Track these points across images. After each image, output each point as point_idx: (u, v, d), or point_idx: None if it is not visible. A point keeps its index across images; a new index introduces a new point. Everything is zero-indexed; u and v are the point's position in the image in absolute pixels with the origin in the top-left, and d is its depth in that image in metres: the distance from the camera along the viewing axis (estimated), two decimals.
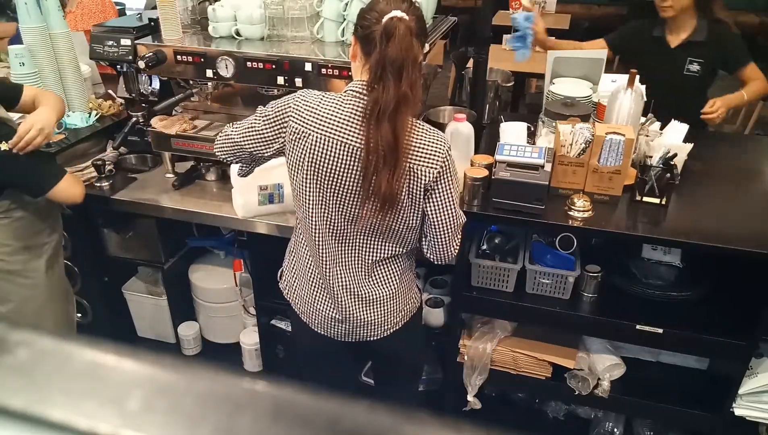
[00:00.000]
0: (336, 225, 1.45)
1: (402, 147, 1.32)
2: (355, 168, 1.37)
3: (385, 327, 1.59)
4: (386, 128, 1.30)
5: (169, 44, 2.02)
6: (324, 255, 1.50)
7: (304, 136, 1.38)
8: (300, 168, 1.41)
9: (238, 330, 2.56)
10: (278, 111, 1.42)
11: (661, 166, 1.70)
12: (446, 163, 1.40)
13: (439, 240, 1.48)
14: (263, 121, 1.45)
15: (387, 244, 1.49)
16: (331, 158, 1.37)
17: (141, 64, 1.97)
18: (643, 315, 1.78)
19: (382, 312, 1.56)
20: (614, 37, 2.66)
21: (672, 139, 1.86)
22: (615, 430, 2.21)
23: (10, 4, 2.21)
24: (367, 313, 1.55)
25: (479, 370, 1.97)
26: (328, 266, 1.51)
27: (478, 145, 2.11)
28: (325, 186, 1.40)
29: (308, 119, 1.38)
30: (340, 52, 1.95)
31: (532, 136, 1.99)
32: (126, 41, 2.12)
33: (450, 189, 1.43)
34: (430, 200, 1.42)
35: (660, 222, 1.72)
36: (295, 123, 1.39)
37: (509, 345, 1.98)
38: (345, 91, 1.39)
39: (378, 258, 1.51)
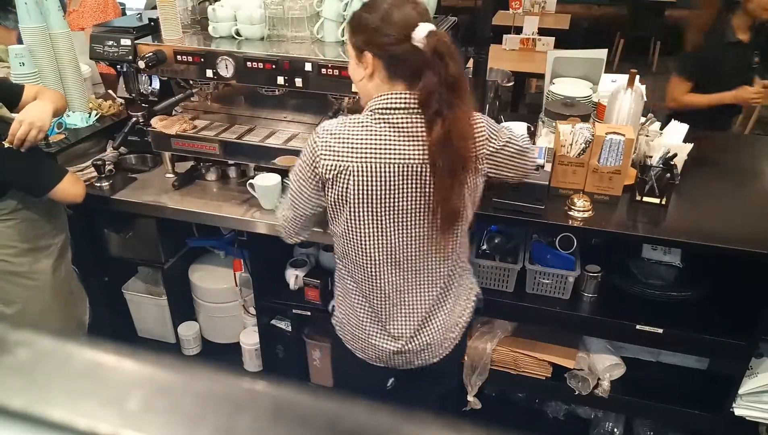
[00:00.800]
0: (397, 252, 1.39)
1: (469, 158, 1.29)
2: (408, 186, 1.32)
3: (446, 345, 1.53)
4: (452, 145, 1.25)
5: (169, 44, 2.02)
6: (383, 287, 1.42)
7: (343, 170, 1.30)
8: (346, 203, 1.34)
9: (238, 330, 2.56)
10: (308, 161, 1.34)
11: (661, 166, 1.70)
12: (489, 124, 1.38)
13: (527, 169, 1.52)
14: (300, 180, 1.37)
15: (450, 252, 1.43)
16: (380, 183, 1.30)
17: (141, 64, 1.97)
18: (643, 315, 1.78)
19: (444, 330, 1.51)
20: (693, 67, 2.66)
21: (672, 139, 1.87)
22: (615, 430, 2.21)
23: (11, 1, 2.20)
24: (430, 337, 1.49)
25: (479, 370, 1.97)
26: (388, 298, 1.44)
27: None
28: (381, 213, 1.34)
29: (342, 151, 1.30)
30: (340, 52, 1.95)
31: (532, 136, 1.99)
32: (126, 41, 2.11)
33: (504, 131, 1.41)
34: (501, 157, 1.40)
35: (660, 222, 1.73)
36: (329, 160, 1.30)
37: (509, 345, 1.98)
38: (371, 110, 1.31)
39: (442, 275, 1.45)
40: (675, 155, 1.72)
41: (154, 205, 2.15)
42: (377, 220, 1.34)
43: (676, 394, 1.93)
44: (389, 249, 1.38)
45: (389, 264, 1.39)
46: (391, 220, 1.35)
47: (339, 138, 1.30)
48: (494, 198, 1.71)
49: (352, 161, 1.29)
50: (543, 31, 4.47)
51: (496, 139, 1.37)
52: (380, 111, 1.30)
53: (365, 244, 1.37)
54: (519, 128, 1.94)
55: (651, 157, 1.73)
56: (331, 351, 1.77)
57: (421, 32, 1.22)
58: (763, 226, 1.69)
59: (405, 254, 1.39)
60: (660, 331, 1.75)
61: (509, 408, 2.35)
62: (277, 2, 2.00)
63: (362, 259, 1.40)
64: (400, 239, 1.37)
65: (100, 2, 3.19)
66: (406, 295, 1.44)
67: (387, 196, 1.32)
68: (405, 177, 1.30)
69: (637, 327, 1.76)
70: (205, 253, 2.63)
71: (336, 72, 1.84)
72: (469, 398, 2.01)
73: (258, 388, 0.29)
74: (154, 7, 2.14)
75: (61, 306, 1.96)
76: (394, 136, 1.29)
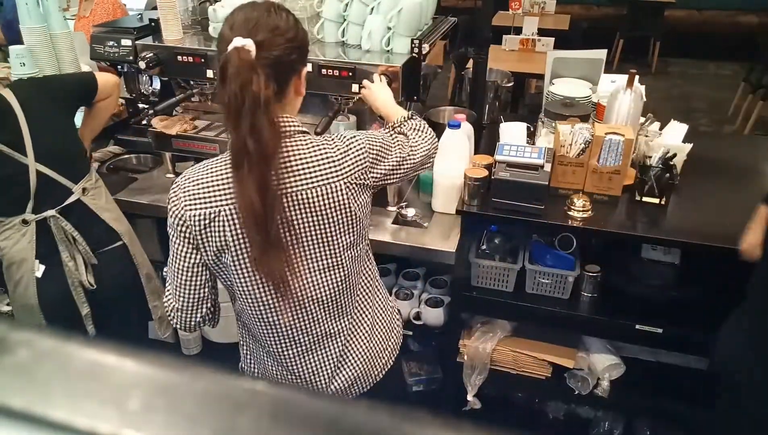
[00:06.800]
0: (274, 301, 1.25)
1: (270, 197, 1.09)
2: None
3: (376, 372, 1.43)
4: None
5: (169, 45, 2.02)
6: (287, 333, 1.30)
7: (214, 217, 1.15)
8: (226, 251, 1.18)
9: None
10: (174, 219, 1.18)
11: (660, 166, 1.70)
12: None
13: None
14: (178, 242, 1.20)
15: (347, 274, 1.30)
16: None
17: (142, 64, 1.97)
18: (642, 315, 1.78)
19: (369, 359, 1.41)
20: None
21: (671, 140, 1.87)
22: (615, 430, 2.21)
23: None
24: (353, 372, 1.40)
25: (479, 370, 1.98)
26: (296, 343, 1.32)
27: (478, 145, 2.11)
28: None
29: (208, 197, 1.15)
30: (340, 52, 1.95)
31: (531, 136, 1.99)
32: (127, 41, 2.12)
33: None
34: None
35: (659, 222, 1.73)
36: (196, 209, 1.15)
37: (509, 345, 1.98)
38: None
39: (346, 301, 1.33)
40: (674, 155, 1.72)
41: (154, 205, 2.16)
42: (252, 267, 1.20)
43: (676, 394, 1.93)
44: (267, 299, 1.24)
45: (291, 309, 1.26)
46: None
47: (200, 183, 1.16)
48: (494, 198, 1.71)
49: (219, 206, 1.15)
50: (543, 32, 4.48)
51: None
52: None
53: (255, 291, 1.23)
54: (519, 128, 1.94)
55: (650, 157, 1.73)
56: None
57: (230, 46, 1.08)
58: None
59: (305, 292, 1.25)
60: (660, 331, 1.75)
61: (509, 408, 2.35)
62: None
63: (258, 308, 1.25)
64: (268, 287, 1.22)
65: (108, 9, 3.21)
66: (315, 336, 1.30)
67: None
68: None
69: (637, 327, 1.76)
70: None
71: (336, 72, 1.84)
72: (469, 398, 2.01)
73: (258, 388, 0.29)
74: (155, 8, 2.14)
75: None
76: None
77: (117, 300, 1.87)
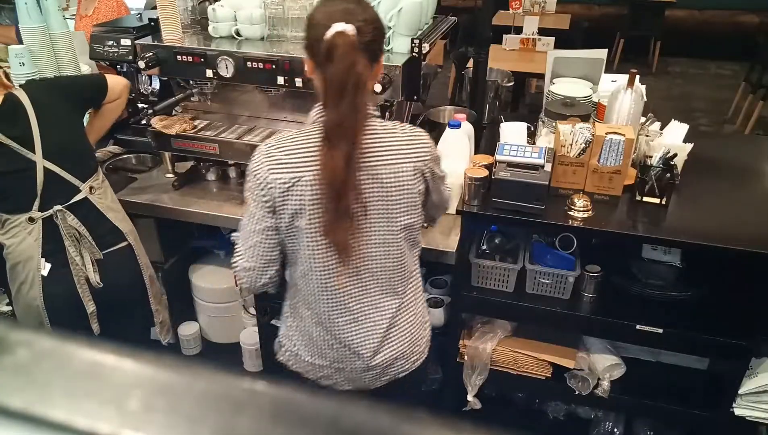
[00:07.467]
0: (355, 260, 1.35)
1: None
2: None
3: (414, 358, 1.52)
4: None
5: (169, 44, 2.02)
6: (344, 302, 1.40)
7: (296, 182, 1.26)
8: (303, 214, 1.28)
9: (238, 330, 2.56)
10: (256, 181, 1.28)
11: (661, 166, 1.70)
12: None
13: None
14: (255, 205, 1.30)
15: (405, 258, 1.43)
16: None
17: (141, 64, 1.97)
18: (643, 315, 1.78)
19: (409, 343, 1.50)
20: None
21: (672, 139, 1.86)
22: (615, 430, 2.21)
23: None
24: (395, 350, 1.48)
25: (479, 370, 1.97)
26: (350, 312, 1.42)
27: (478, 145, 2.11)
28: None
29: (291, 162, 1.26)
30: None
31: (532, 136, 1.99)
32: (126, 41, 2.12)
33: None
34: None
35: (660, 222, 1.72)
36: (279, 173, 1.26)
37: (509, 345, 1.98)
38: (314, 122, 1.29)
39: (399, 283, 1.44)
40: (675, 155, 1.72)
41: (154, 205, 2.16)
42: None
43: (676, 394, 1.93)
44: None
45: (349, 275, 1.35)
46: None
47: (285, 150, 1.27)
48: (494, 198, 1.71)
49: (303, 171, 1.25)
50: (543, 31, 4.48)
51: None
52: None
53: (321, 255, 1.32)
54: (519, 128, 1.94)
55: (651, 157, 1.73)
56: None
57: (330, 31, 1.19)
58: (763, 226, 1.69)
59: (363, 261, 1.35)
60: (660, 331, 1.75)
61: (509, 408, 2.35)
62: (277, 2, 2.00)
63: (321, 272, 1.34)
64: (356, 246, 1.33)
65: (113, 6, 3.21)
66: (366, 306, 1.40)
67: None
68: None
69: (637, 327, 1.76)
70: (206, 253, 2.63)
71: None
72: (469, 398, 2.01)
73: (258, 388, 0.29)
74: (154, 7, 2.14)
75: None
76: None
77: (120, 300, 1.87)
